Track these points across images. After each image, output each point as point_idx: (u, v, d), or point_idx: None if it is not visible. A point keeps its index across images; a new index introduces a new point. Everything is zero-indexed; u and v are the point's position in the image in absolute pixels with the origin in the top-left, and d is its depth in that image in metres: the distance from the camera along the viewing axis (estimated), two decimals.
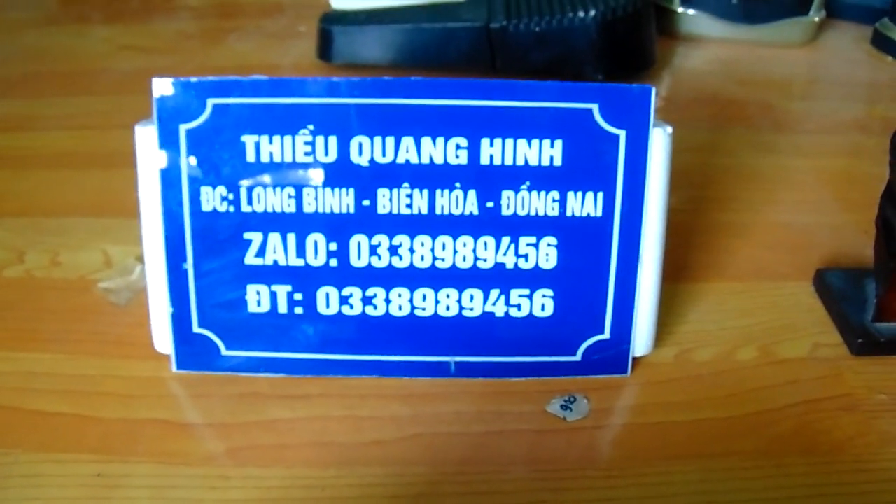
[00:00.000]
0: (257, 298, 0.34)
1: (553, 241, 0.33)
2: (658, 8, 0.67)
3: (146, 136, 0.33)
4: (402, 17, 0.60)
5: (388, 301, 0.34)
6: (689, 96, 0.61)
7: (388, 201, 0.33)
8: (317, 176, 0.33)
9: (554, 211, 0.33)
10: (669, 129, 0.33)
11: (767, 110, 0.59)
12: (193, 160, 0.33)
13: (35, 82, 0.64)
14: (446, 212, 0.33)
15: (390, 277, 0.34)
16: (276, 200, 0.33)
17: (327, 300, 0.34)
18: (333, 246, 0.33)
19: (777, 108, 0.60)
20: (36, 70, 0.66)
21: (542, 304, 0.34)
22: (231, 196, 0.33)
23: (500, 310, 0.34)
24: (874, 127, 0.58)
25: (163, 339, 0.35)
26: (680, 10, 0.70)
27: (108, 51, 0.70)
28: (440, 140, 0.32)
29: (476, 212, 0.33)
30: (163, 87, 0.32)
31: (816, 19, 0.69)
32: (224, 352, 0.35)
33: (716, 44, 0.69)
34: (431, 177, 0.33)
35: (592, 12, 0.56)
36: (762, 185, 0.50)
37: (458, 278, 0.34)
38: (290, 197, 0.33)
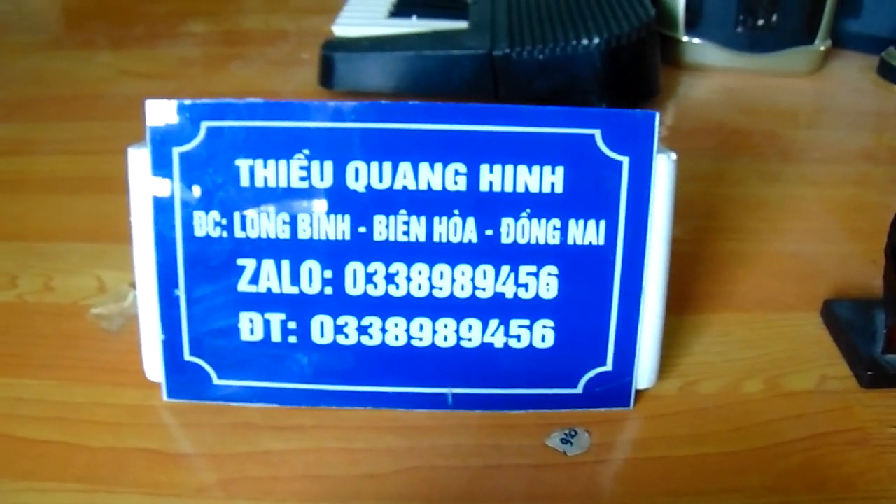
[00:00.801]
0: (250, 326, 0.33)
1: (554, 270, 0.33)
2: (663, 37, 0.67)
3: (139, 160, 0.32)
4: (405, 45, 0.59)
5: (384, 330, 0.33)
6: (694, 125, 0.61)
7: (384, 228, 0.32)
8: (312, 202, 0.32)
9: (555, 239, 0.32)
10: (674, 156, 0.32)
11: (773, 139, 0.59)
12: (186, 184, 0.32)
13: (33, 106, 0.64)
14: (444, 239, 0.32)
15: (386, 306, 0.33)
16: (270, 226, 0.32)
17: (322, 329, 0.33)
18: (328, 273, 0.33)
19: (783, 138, 0.59)
20: (35, 94, 0.66)
21: (543, 334, 0.33)
22: (224, 221, 0.32)
23: (499, 340, 0.33)
24: (881, 156, 0.57)
25: (154, 367, 0.34)
26: (685, 39, 0.69)
27: (109, 76, 0.70)
28: (438, 166, 0.32)
29: (475, 240, 0.32)
30: (156, 109, 0.32)
31: (822, 48, 0.69)
32: (216, 381, 0.34)
33: (721, 73, 0.69)
34: (429, 203, 0.32)
35: (596, 40, 0.56)
36: (768, 215, 0.49)
37: (457, 308, 0.33)
38: (284, 223, 0.32)
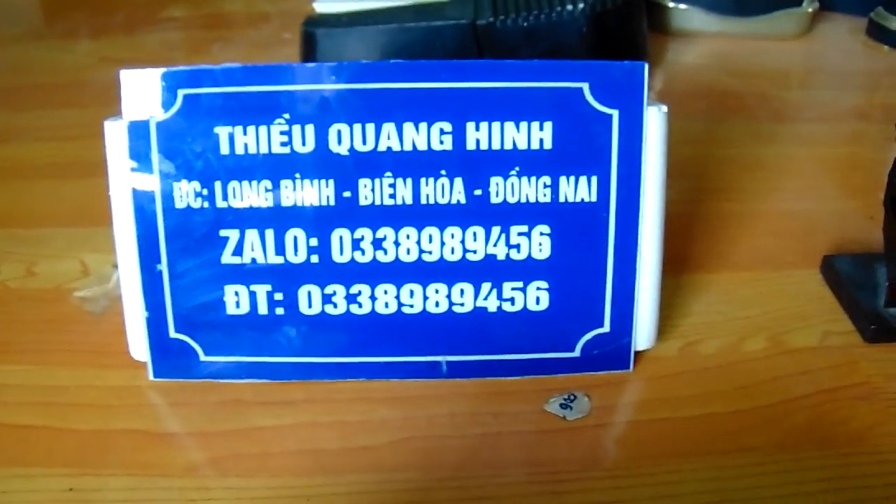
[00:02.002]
0: (236, 300, 0.32)
1: (546, 229, 0.32)
2: (649, 4, 0.66)
3: (116, 132, 0.31)
4: (387, 18, 0.58)
5: (373, 298, 0.32)
6: (684, 89, 0.60)
7: (370, 192, 0.31)
8: (294, 167, 0.31)
9: (546, 197, 0.31)
10: (665, 108, 0.31)
11: (765, 101, 0.58)
12: (165, 155, 0.31)
13: (14, 95, 0.63)
14: (432, 201, 0.31)
15: (375, 273, 0.32)
16: (252, 195, 0.31)
17: (309, 299, 0.32)
18: (314, 241, 0.32)
19: (775, 99, 0.58)
20: (15, 83, 0.65)
21: (537, 297, 0.32)
22: (205, 192, 0.31)
23: (492, 304, 0.32)
24: (874, 114, 0.57)
25: (139, 346, 0.33)
26: (671, 4, 0.68)
27: (89, 63, 0.68)
28: (423, 125, 0.31)
29: (463, 200, 0.31)
30: (131, 79, 0.31)
31: (810, 10, 0.68)
32: (203, 357, 0.33)
33: (709, 38, 0.68)
34: (415, 164, 0.31)
35: (581, 5, 0.54)
36: (763, 175, 0.48)
37: (447, 272, 0.32)
38: (266, 191, 0.31)
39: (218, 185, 0.31)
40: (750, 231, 0.43)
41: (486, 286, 0.32)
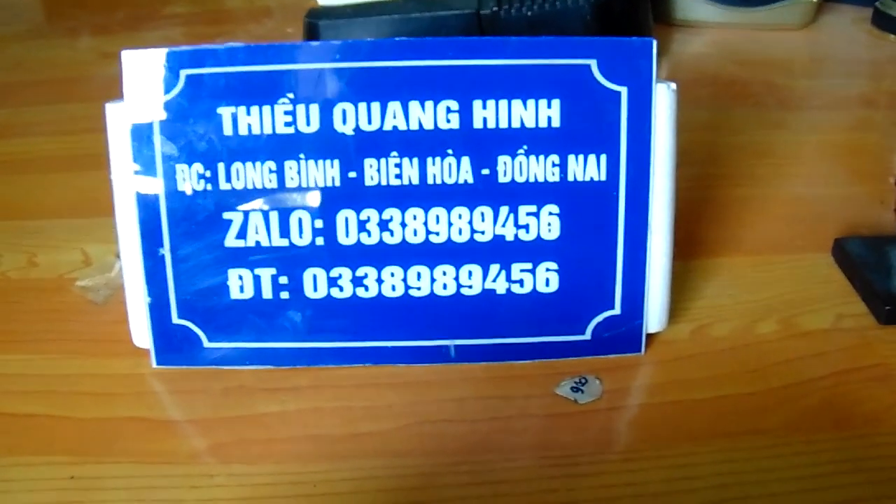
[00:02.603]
0: (240, 284, 0.32)
1: (555, 209, 0.31)
2: None
3: (117, 114, 0.31)
4: (390, 9, 0.58)
5: (380, 281, 0.32)
6: (690, 78, 0.59)
7: (375, 172, 0.31)
8: (299, 148, 0.30)
9: (554, 176, 0.31)
10: (674, 86, 0.31)
11: (771, 89, 0.57)
12: (167, 137, 0.30)
13: (16, 91, 0.62)
14: (439, 181, 0.31)
15: (381, 255, 0.31)
16: (256, 176, 0.31)
17: (315, 283, 0.32)
18: (319, 223, 0.31)
19: (781, 87, 0.58)
20: (17, 79, 0.65)
21: (547, 278, 0.32)
22: (208, 173, 0.31)
23: (501, 286, 0.32)
24: (881, 101, 0.56)
25: (141, 333, 0.33)
26: None
27: (91, 59, 0.68)
28: (429, 104, 0.30)
29: (471, 180, 0.31)
30: (133, 59, 0.30)
31: (814, 0, 0.67)
32: (206, 344, 0.32)
33: (713, 28, 0.68)
34: (421, 144, 0.30)
35: None
36: (772, 161, 0.47)
37: (455, 254, 0.32)
38: (270, 172, 0.31)
39: (221, 166, 0.31)
40: (759, 216, 0.42)
41: (494, 268, 0.32)
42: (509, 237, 0.31)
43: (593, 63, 0.30)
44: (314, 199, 0.31)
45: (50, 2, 0.86)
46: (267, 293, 0.32)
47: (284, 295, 0.32)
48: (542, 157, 0.31)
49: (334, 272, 0.32)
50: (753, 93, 0.57)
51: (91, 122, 0.55)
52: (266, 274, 0.32)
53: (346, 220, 0.31)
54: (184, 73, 0.30)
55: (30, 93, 0.62)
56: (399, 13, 0.57)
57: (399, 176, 0.31)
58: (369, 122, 0.30)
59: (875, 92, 0.58)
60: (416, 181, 0.31)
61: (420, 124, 0.30)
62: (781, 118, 0.53)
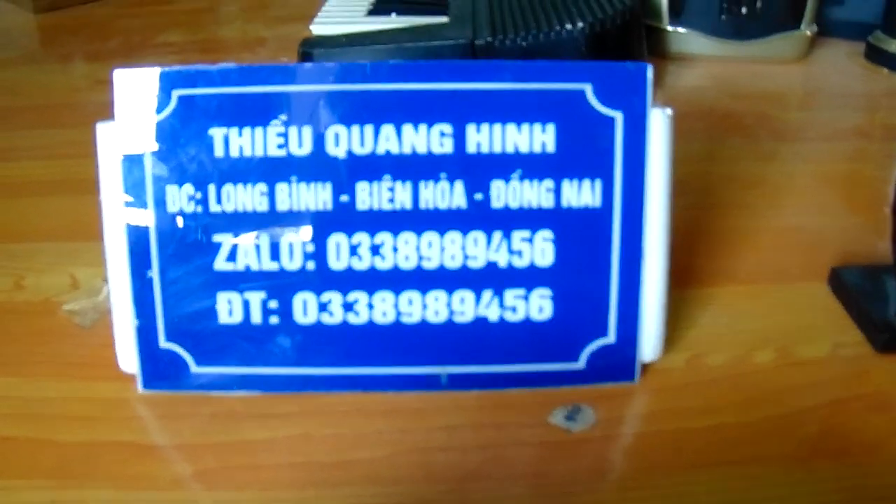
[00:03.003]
0: (229, 308, 0.31)
1: (549, 234, 0.31)
2: (647, 28, 0.66)
3: (108, 134, 0.31)
4: (385, 39, 0.58)
5: (370, 307, 0.31)
6: (684, 110, 0.58)
7: (367, 196, 0.30)
8: (290, 170, 0.30)
9: (549, 202, 0.31)
10: (669, 111, 0.31)
11: (765, 121, 0.57)
12: (158, 157, 0.30)
13: (7, 116, 0.62)
14: (432, 206, 0.30)
15: (373, 280, 0.31)
16: (246, 199, 0.30)
17: (304, 308, 0.31)
18: (310, 247, 0.31)
19: (775, 119, 0.58)
20: (9, 104, 0.64)
21: (540, 305, 0.31)
22: (198, 195, 0.30)
23: (493, 313, 0.32)
24: (875, 133, 0.56)
25: (128, 357, 0.32)
26: (669, 28, 0.68)
27: (84, 86, 0.68)
28: (423, 127, 0.30)
29: (464, 205, 0.31)
30: (125, 79, 0.30)
31: (808, 33, 0.68)
32: (194, 368, 0.32)
33: (707, 61, 0.68)
34: (414, 168, 0.30)
35: (580, 24, 0.54)
36: (766, 191, 0.47)
37: (447, 279, 0.31)
38: (262, 194, 0.30)
39: (212, 188, 0.30)
40: (754, 246, 0.42)
41: (487, 294, 0.31)
42: (502, 263, 0.31)
43: (588, 87, 0.30)
44: (305, 222, 0.30)
45: (45, 29, 0.86)
46: (256, 318, 0.31)
47: (274, 320, 0.31)
48: (536, 182, 0.30)
49: (325, 297, 0.31)
50: (747, 125, 0.57)
51: (83, 148, 0.54)
52: (255, 298, 0.31)
53: (338, 244, 0.31)
54: (176, 93, 0.30)
55: (22, 117, 0.62)
56: (394, 43, 0.57)
57: (391, 200, 0.30)
58: (362, 145, 0.30)
59: (869, 124, 0.58)
60: (408, 206, 0.30)
61: (413, 148, 0.30)
62: (776, 149, 0.53)
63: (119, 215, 0.31)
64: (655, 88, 0.30)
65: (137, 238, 0.31)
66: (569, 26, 0.55)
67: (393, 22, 0.63)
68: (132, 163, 0.30)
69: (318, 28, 0.64)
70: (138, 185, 0.30)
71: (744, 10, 0.67)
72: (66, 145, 0.56)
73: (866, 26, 0.71)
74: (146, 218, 0.30)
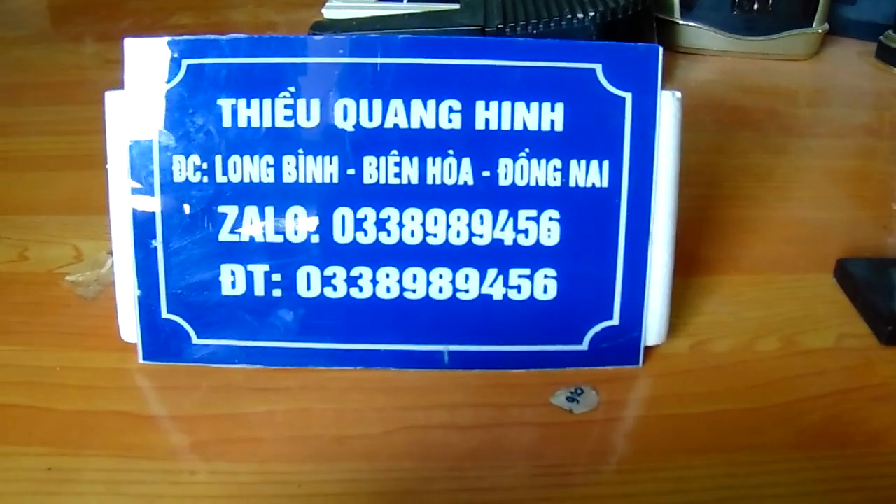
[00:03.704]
0: (232, 279, 0.31)
1: (555, 214, 0.31)
2: (658, 20, 0.65)
3: (116, 103, 0.30)
4: (395, 24, 0.58)
5: (374, 282, 0.31)
6: (693, 103, 0.58)
7: (374, 170, 0.30)
8: (298, 142, 0.30)
9: (556, 181, 0.30)
10: (679, 94, 0.31)
11: (775, 116, 0.57)
12: (165, 126, 0.30)
13: (16, 92, 0.62)
14: (438, 182, 0.30)
15: (377, 255, 0.31)
16: (253, 170, 0.30)
17: (308, 281, 0.31)
18: (315, 220, 0.31)
19: (785, 115, 0.57)
20: (19, 81, 0.64)
21: (545, 285, 0.31)
22: (205, 165, 0.30)
23: (497, 292, 0.31)
24: (884, 131, 0.56)
25: (129, 328, 0.32)
26: (681, 22, 0.68)
27: (94, 64, 0.68)
28: (431, 103, 0.30)
29: (471, 182, 0.30)
30: (135, 47, 0.30)
31: (820, 31, 0.67)
32: (195, 340, 0.32)
33: (718, 57, 0.68)
34: (422, 143, 0.30)
35: (591, 13, 0.54)
36: (774, 184, 0.47)
37: (452, 256, 0.31)
38: (268, 166, 0.30)
39: (218, 158, 0.30)
40: (761, 236, 0.42)
41: (491, 272, 0.31)
42: (508, 241, 0.31)
43: (598, 68, 0.30)
44: (311, 195, 0.30)
45: (56, 9, 0.86)
46: (259, 290, 0.31)
47: (277, 293, 0.31)
48: (543, 161, 0.30)
49: (328, 271, 0.31)
50: (757, 119, 0.56)
51: (91, 124, 0.54)
52: (259, 270, 0.31)
53: (343, 217, 0.30)
54: (185, 62, 0.30)
55: (32, 94, 0.62)
56: (404, 28, 0.57)
57: (398, 175, 0.30)
58: (370, 118, 0.30)
59: (878, 122, 0.58)
60: (415, 181, 0.30)
61: (421, 123, 0.30)
62: (784, 144, 0.53)
63: (125, 184, 0.30)
64: (666, 80, 0.30)
65: (143, 207, 0.30)
66: (580, 15, 0.54)
67: (404, 7, 0.63)
68: (140, 131, 0.30)
69: (330, 12, 0.64)
70: (145, 154, 0.30)
71: (755, 6, 0.67)
72: (74, 122, 0.56)
73: (878, 26, 0.71)
74: (152, 187, 0.30)
